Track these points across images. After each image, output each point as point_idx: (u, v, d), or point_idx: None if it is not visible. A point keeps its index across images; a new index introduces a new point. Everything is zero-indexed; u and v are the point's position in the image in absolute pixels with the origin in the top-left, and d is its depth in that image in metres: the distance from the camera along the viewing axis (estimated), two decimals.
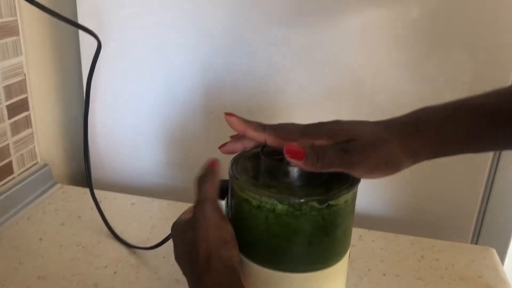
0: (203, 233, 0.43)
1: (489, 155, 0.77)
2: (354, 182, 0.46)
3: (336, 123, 0.47)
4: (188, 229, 0.45)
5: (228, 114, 0.48)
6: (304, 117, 0.50)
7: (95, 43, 0.62)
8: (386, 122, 0.48)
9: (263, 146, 0.49)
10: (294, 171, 0.46)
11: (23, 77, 0.78)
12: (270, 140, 0.47)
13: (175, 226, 0.49)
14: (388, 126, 0.47)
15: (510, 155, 0.79)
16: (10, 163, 0.77)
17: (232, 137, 0.51)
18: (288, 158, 0.43)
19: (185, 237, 0.45)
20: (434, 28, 0.70)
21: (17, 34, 0.75)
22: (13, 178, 0.78)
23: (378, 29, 0.72)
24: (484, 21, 0.68)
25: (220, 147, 0.50)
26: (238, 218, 0.47)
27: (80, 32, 0.84)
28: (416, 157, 0.47)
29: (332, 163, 0.43)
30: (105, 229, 0.71)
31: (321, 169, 0.43)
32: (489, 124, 0.47)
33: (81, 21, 0.81)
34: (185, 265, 0.45)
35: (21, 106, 0.78)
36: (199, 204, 0.46)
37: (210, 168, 0.49)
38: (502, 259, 0.81)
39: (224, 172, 0.51)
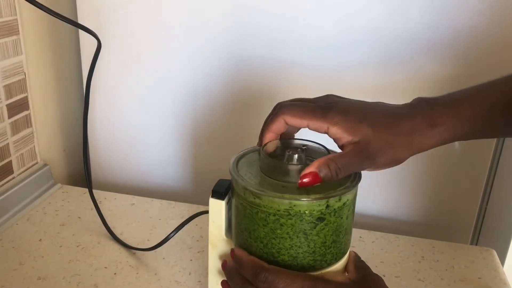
0: None
1: (489, 155, 0.77)
2: (355, 181, 0.46)
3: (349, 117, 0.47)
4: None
5: None
6: None
7: (95, 43, 0.61)
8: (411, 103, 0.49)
9: (264, 144, 0.49)
10: (294, 169, 0.45)
11: (23, 76, 0.78)
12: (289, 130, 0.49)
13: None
14: (397, 118, 0.47)
15: (510, 155, 0.79)
16: (10, 163, 0.77)
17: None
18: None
19: None
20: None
21: (17, 33, 0.75)
22: (13, 178, 0.78)
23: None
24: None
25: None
26: (238, 218, 0.47)
27: (80, 32, 0.84)
28: (420, 150, 0.47)
29: (351, 170, 0.45)
30: (105, 230, 0.71)
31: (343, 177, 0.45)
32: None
33: (81, 21, 0.81)
34: None
35: (21, 105, 0.78)
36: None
37: None
38: (502, 260, 0.81)
39: (225, 172, 0.51)
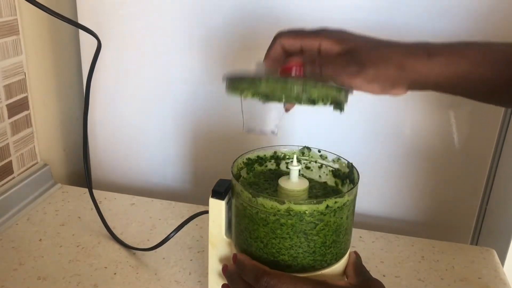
0: None
1: (489, 156, 0.77)
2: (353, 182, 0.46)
3: (343, 32, 0.48)
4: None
5: None
6: (307, 122, 0.50)
7: (95, 43, 0.61)
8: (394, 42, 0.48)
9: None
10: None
11: (23, 76, 0.78)
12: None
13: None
14: (395, 44, 0.47)
15: (511, 155, 0.79)
16: (10, 163, 0.77)
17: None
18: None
19: None
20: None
21: (17, 33, 0.75)
22: (13, 178, 0.78)
23: None
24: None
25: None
26: (238, 218, 0.47)
27: (80, 32, 0.84)
28: (416, 80, 0.46)
29: (337, 71, 0.45)
30: (105, 230, 0.71)
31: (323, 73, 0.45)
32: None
33: (81, 20, 0.81)
34: None
35: (21, 105, 0.78)
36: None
37: None
38: (502, 260, 0.81)
39: (225, 172, 0.51)
